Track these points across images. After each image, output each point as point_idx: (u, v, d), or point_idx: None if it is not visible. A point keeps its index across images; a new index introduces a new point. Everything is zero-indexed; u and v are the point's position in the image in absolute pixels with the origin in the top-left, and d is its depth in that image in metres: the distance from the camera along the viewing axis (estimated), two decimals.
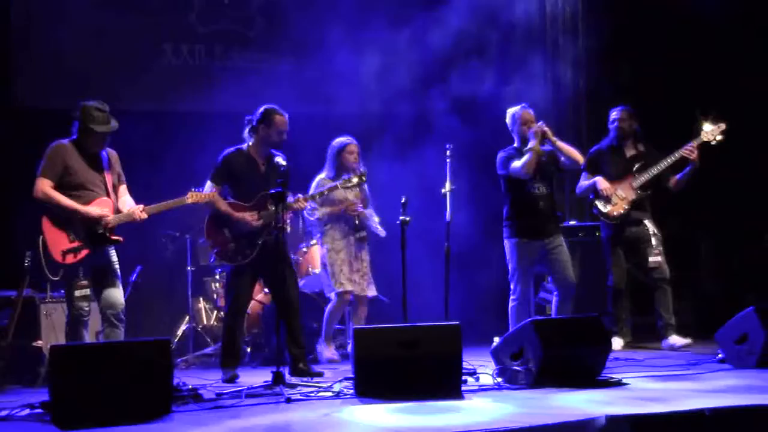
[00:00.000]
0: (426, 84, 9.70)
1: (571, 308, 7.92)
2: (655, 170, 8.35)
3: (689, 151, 8.21)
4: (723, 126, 8.21)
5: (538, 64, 10.20)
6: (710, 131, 8.21)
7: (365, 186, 8.07)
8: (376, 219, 8.26)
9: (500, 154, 8.03)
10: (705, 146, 8.24)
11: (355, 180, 7.63)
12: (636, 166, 8.43)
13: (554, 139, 7.86)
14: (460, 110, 9.46)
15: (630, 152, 8.57)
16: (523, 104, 8.08)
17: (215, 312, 9.20)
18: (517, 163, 7.83)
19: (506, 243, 8.01)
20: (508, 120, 8.08)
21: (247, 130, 7.36)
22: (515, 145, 8.05)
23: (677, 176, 8.40)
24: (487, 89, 9.45)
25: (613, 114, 8.64)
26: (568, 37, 10.48)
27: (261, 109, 7.33)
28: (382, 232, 8.25)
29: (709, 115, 8.27)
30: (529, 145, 7.79)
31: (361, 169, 7.77)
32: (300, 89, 9.49)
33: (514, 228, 7.94)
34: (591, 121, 9.91)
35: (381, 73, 9.49)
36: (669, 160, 8.32)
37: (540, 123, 7.87)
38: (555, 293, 8.00)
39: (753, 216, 10.27)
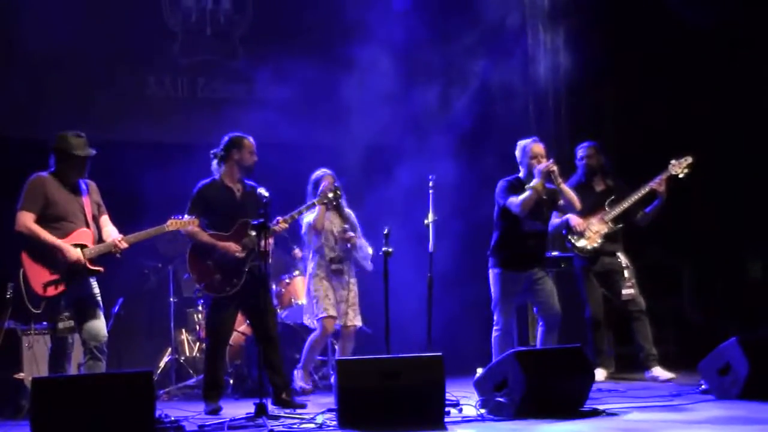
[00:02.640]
0: (408, 111, 9.73)
1: (557, 339, 7.90)
2: (626, 203, 8.44)
3: (658, 184, 8.32)
4: (689, 159, 8.33)
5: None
6: (677, 164, 8.32)
7: (351, 214, 8.07)
8: (369, 251, 8.23)
9: (501, 183, 7.98)
10: (673, 179, 8.35)
11: (330, 195, 7.66)
12: (607, 200, 8.53)
13: (560, 180, 7.80)
14: (444, 140, 9.50)
15: (599, 187, 8.68)
16: (534, 137, 8.05)
17: (198, 343, 9.16)
18: (515, 200, 7.78)
19: (490, 273, 7.99)
20: (518, 152, 8.01)
21: (215, 162, 7.38)
22: (520, 175, 8.00)
23: (645, 210, 8.49)
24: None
25: (580, 151, 8.75)
26: (548, 68, 10.57)
27: (226, 138, 7.39)
28: (369, 266, 8.24)
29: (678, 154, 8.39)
30: (533, 183, 7.75)
31: (335, 184, 7.80)
32: (283, 119, 9.51)
33: (499, 258, 7.92)
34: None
35: (364, 102, 9.52)
36: (639, 193, 8.42)
37: (550, 161, 7.83)
38: (540, 324, 8.00)
39: (736, 245, 10.34)
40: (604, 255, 8.52)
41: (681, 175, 8.34)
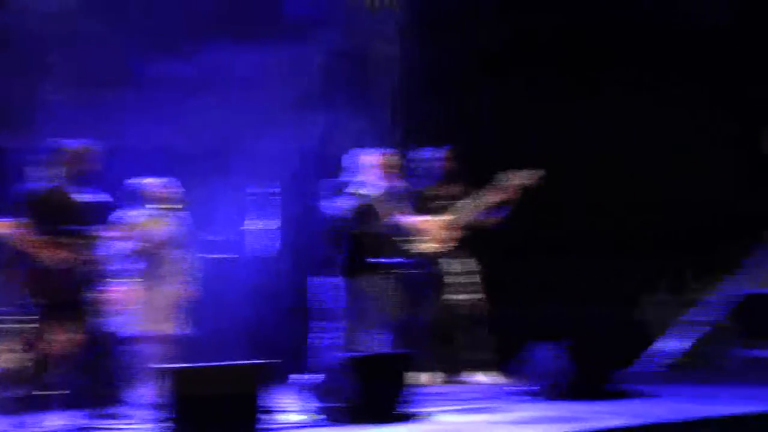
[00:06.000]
0: (242, 117, 9.65)
1: (396, 344, 7.98)
2: (473, 209, 8.65)
3: (503, 192, 8.59)
4: (535, 172, 8.61)
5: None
6: (522, 175, 8.62)
7: (179, 222, 7.93)
8: (184, 261, 8.10)
9: (328, 184, 8.05)
10: (518, 188, 8.62)
11: (167, 208, 7.51)
12: (454, 204, 8.71)
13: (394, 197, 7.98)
14: (281, 149, 9.47)
15: (446, 192, 8.85)
16: (383, 149, 8.14)
17: (10, 354, 8.82)
18: (344, 203, 7.89)
19: (325, 281, 8.02)
20: (360, 159, 8.07)
21: (46, 166, 7.13)
22: (354, 180, 8.06)
23: (488, 216, 8.72)
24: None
25: (429, 155, 8.90)
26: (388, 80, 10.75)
27: (61, 144, 7.15)
28: (186, 273, 8.11)
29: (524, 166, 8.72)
30: (366, 191, 7.86)
31: (174, 198, 7.67)
32: (93, 122, 9.23)
33: (336, 265, 7.97)
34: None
35: (197, 108, 9.37)
36: (486, 200, 8.65)
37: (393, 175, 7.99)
38: (381, 331, 8.07)
39: (551, 251, 10.75)
40: (447, 260, 8.68)
41: (526, 185, 8.63)
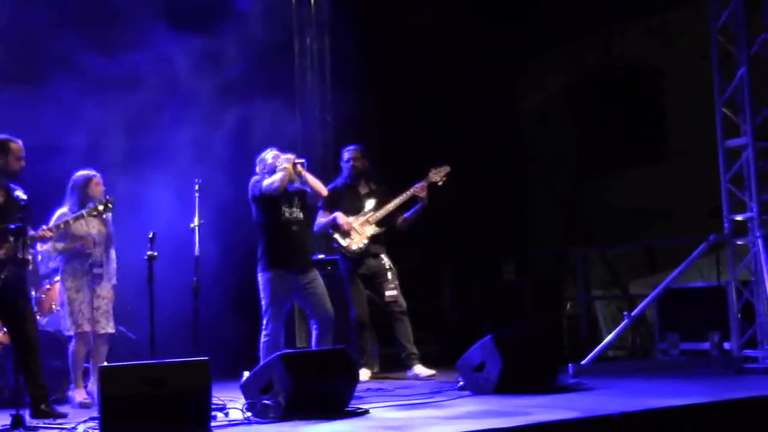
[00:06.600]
0: (170, 114, 9.60)
1: (331, 341, 8.00)
2: (390, 206, 8.83)
3: (419, 189, 8.74)
4: (447, 169, 8.85)
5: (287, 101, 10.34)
6: (436, 172, 8.81)
7: (109, 220, 7.86)
8: (114, 265, 8.04)
9: (254, 178, 8.08)
10: (433, 186, 8.80)
11: (101, 207, 7.41)
12: (372, 202, 8.87)
13: (302, 169, 8.01)
14: (210, 145, 9.43)
15: (364, 190, 9.00)
16: (271, 147, 8.18)
17: None
18: (268, 180, 7.89)
19: (260, 277, 8.00)
20: (258, 161, 8.14)
21: None
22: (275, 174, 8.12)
23: (405, 215, 8.89)
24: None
25: (347, 154, 9.03)
26: (315, 75, 10.74)
27: None
28: (114, 280, 8.04)
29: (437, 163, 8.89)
30: (282, 165, 7.89)
31: (107, 197, 7.58)
32: (28, 119, 9.12)
33: (268, 261, 7.96)
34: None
35: (127, 102, 9.30)
36: (402, 197, 8.83)
37: (293, 154, 8.03)
38: (315, 327, 8.09)
39: (491, 248, 10.86)
40: (368, 257, 8.79)
41: (440, 183, 8.83)
